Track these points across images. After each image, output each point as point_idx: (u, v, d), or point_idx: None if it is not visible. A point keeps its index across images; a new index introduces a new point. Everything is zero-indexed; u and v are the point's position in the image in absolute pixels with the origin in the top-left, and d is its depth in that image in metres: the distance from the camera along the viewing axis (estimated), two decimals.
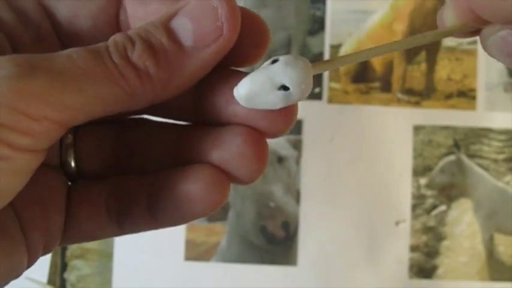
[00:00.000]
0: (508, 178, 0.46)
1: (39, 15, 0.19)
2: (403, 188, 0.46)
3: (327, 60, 0.19)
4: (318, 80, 0.46)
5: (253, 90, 0.17)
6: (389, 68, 0.47)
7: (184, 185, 0.18)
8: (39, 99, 0.15)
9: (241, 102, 0.18)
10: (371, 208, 0.46)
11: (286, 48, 0.47)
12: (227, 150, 0.18)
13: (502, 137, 0.46)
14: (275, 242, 0.46)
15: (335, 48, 0.47)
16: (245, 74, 0.18)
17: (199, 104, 0.19)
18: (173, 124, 0.20)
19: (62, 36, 0.19)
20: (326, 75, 0.47)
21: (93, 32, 0.19)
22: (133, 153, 0.20)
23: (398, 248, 0.46)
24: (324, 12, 0.48)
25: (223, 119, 0.18)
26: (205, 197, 0.18)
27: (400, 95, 0.47)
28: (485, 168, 0.46)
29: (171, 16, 0.17)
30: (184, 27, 0.17)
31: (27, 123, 0.15)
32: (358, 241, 0.46)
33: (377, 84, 0.47)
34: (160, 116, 0.20)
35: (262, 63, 0.18)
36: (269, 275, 0.46)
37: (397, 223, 0.46)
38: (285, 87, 0.17)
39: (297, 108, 0.18)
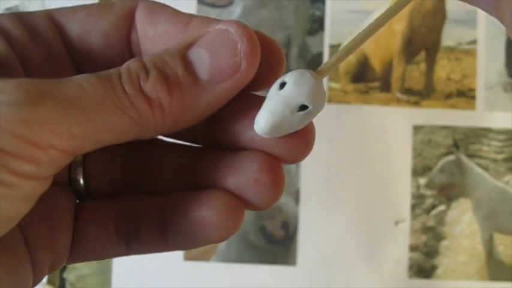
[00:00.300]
0: (507, 178, 0.46)
1: (50, 32, 0.18)
2: (402, 187, 0.46)
3: (328, 61, 0.18)
4: None
5: (275, 122, 0.17)
6: (388, 67, 0.47)
7: (198, 210, 0.18)
8: (46, 128, 0.15)
9: (266, 136, 0.17)
10: (370, 208, 0.46)
11: (286, 48, 0.47)
12: (243, 176, 0.18)
13: (502, 136, 0.46)
14: (274, 242, 0.46)
15: (335, 48, 0.47)
16: (261, 98, 0.18)
17: (213, 128, 0.18)
18: (186, 145, 0.20)
19: (73, 54, 0.19)
20: None
21: (104, 50, 0.19)
22: (144, 173, 0.20)
23: (398, 248, 0.46)
24: (323, 12, 0.48)
25: (239, 144, 0.18)
26: (220, 223, 0.17)
27: (399, 95, 0.47)
28: (485, 168, 0.46)
29: (189, 45, 0.17)
30: (201, 59, 0.17)
31: (32, 152, 0.14)
32: (358, 241, 0.46)
33: (376, 84, 0.47)
34: (172, 137, 0.20)
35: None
36: (268, 275, 0.46)
37: (396, 223, 0.46)
38: (303, 107, 0.17)
39: (314, 136, 0.18)
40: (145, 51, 0.19)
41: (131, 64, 0.16)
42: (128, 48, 0.19)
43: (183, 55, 0.17)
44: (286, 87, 0.17)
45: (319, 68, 0.18)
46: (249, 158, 0.18)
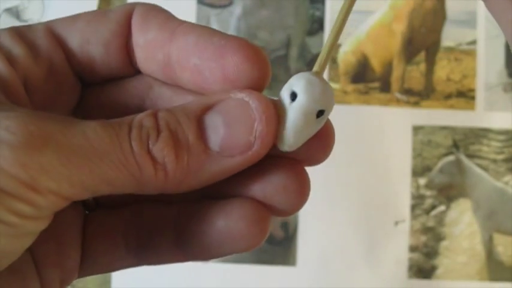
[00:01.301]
0: (507, 178, 0.46)
1: (51, 46, 0.18)
2: (402, 188, 0.46)
3: (320, 58, 0.18)
4: None
5: (300, 136, 0.17)
6: (388, 68, 0.47)
7: (225, 221, 0.17)
8: (46, 175, 0.14)
9: (290, 150, 0.17)
10: (370, 208, 0.46)
11: (286, 48, 0.47)
12: (271, 184, 0.17)
13: (501, 137, 0.46)
14: (274, 242, 0.46)
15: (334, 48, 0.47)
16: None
17: None
18: None
19: (75, 65, 0.19)
20: (325, 75, 0.47)
21: (105, 58, 0.18)
22: None
23: (398, 248, 0.46)
24: (323, 12, 0.48)
25: None
26: (249, 234, 0.17)
27: (399, 95, 0.47)
28: (485, 169, 0.46)
29: (207, 108, 0.16)
30: (215, 129, 0.16)
31: (31, 195, 0.14)
32: (357, 241, 0.46)
33: (376, 84, 0.47)
34: None
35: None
36: (268, 275, 0.46)
37: (396, 223, 0.46)
38: (320, 111, 0.17)
39: (334, 135, 0.18)
40: (138, 59, 0.19)
41: (144, 120, 0.16)
42: (127, 56, 0.19)
43: (199, 119, 0.16)
44: (299, 98, 0.17)
45: (316, 68, 0.18)
46: (276, 165, 0.17)
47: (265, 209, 0.17)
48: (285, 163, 0.17)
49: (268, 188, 0.17)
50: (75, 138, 0.15)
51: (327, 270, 0.46)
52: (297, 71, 0.48)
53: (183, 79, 0.18)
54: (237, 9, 0.48)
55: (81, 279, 0.46)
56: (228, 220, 0.17)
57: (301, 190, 0.18)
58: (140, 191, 0.16)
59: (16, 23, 0.48)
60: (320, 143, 0.18)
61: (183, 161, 0.16)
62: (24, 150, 0.14)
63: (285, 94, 0.17)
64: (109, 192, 0.16)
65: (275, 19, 0.48)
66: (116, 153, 0.15)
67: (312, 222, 0.46)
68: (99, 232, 0.19)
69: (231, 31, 0.48)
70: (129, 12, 0.18)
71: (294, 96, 0.17)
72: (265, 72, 0.17)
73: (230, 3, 0.48)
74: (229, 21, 0.48)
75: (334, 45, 0.18)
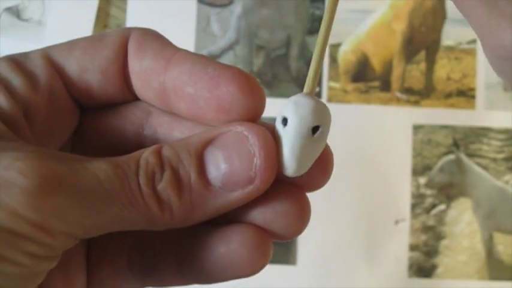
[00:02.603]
0: (507, 177, 0.46)
1: (49, 74, 0.18)
2: (402, 187, 0.46)
3: (309, 77, 0.18)
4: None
5: (300, 157, 0.17)
6: (388, 67, 0.47)
7: (226, 248, 0.17)
8: (59, 218, 0.15)
9: (297, 175, 0.17)
10: (370, 207, 0.46)
11: (286, 47, 0.47)
12: (271, 210, 0.17)
13: (502, 136, 0.46)
14: (275, 242, 0.46)
15: (334, 47, 0.47)
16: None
17: None
18: None
19: (73, 92, 0.19)
20: (325, 74, 0.47)
21: (103, 85, 0.19)
22: None
23: (398, 247, 0.46)
24: (323, 11, 0.48)
25: None
26: (251, 260, 0.17)
27: (399, 94, 0.47)
28: (485, 168, 0.46)
29: (207, 142, 0.17)
30: (216, 165, 0.17)
31: (44, 237, 0.15)
32: (358, 240, 0.46)
33: (376, 83, 0.47)
34: None
35: None
36: (268, 275, 0.46)
37: (396, 222, 0.46)
38: (315, 128, 0.17)
39: (333, 162, 0.18)
40: (135, 85, 0.19)
41: (149, 158, 0.16)
42: (125, 82, 0.19)
43: (200, 154, 0.17)
44: (289, 121, 0.17)
45: (306, 90, 0.18)
46: (276, 190, 0.17)
47: (266, 234, 0.18)
48: (286, 188, 0.18)
49: (269, 213, 0.17)
50: (87, 182, 0.15)
51: (328, 269, 0.46)
52: (297, 70, 0.48)
53: (178, 108, 0.18)
54: (237, 8, 0.48)
55: None
56: (229, 247, 0.17)
57: (302, 216, 0.18)
58: (150, 228, 0.17)
59: (16, 22, 0.48)
60: (318, 167, 0.18)
61: (186, 199, 0.16)
62: (38, 194, 0.14)
63: (278, 123, 0.17)
64: (118, 229, 0.16)
65: (275, 18, 0.48)
66: (127, 196, 0.16)
67: (312, 221, 0.46)
68: (103, 257, 0.19)
69: (231, 30, 0.48)
70: (125, 38, 0.19)
71: (285, 121, 0.17)
72: (259, 100, 0.17)
73: (230, 2, 0.48)
74: (230, 20, 0.48)
75: (321, 64, 0.18)
